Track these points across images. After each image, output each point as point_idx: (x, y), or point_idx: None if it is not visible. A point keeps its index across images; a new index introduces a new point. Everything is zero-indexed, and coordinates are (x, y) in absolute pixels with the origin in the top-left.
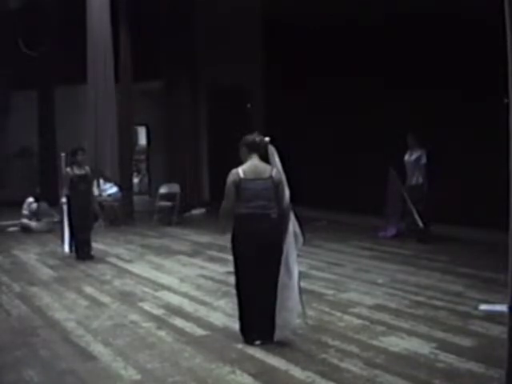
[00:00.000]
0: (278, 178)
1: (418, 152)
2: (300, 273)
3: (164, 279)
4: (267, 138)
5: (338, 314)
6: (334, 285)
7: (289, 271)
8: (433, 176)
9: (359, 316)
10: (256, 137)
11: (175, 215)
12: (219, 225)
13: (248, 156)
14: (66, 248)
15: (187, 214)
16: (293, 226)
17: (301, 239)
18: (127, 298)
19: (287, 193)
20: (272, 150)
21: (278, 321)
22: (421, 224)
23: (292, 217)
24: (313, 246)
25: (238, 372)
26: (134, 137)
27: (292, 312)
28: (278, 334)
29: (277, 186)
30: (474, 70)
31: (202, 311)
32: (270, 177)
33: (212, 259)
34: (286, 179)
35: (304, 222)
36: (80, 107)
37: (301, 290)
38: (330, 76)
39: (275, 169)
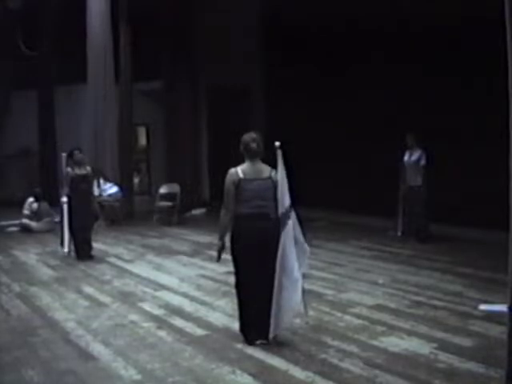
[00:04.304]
0: (277, 178)
1: (417, 153)
2: (303, 274)
3: (164, 279)
4: (277, 143)
5: (338, 314)
6: (334, 285)
7: (285, 271)
8: (432, 176)
9: (359, 316)
10: (251, 141)
11: (175, 215)
12: (219, 230)
13: (248, 158)
14: (66, 248)
15: (187, 214)
16: (294, 229)
17: (307, 248)
18: (127, 298)
19: (286, 197)
20: (279, 154)
21: (274, 320)
22: (399, 233)
23: (295, 223)
24: (313, 246)
25: (238, 372)
26: (134, 137)
27: (289, 312)
28: (274, 333)
29: (276, 186)
30: (474, 70)
31: (202, 311)
32: (270, 177)
33: (212, 259)
34: (288, 180)
35: (304, 222)
36: (80, 107)
37: (304, 291)
38: (329, 76)
39: (274, 169)
